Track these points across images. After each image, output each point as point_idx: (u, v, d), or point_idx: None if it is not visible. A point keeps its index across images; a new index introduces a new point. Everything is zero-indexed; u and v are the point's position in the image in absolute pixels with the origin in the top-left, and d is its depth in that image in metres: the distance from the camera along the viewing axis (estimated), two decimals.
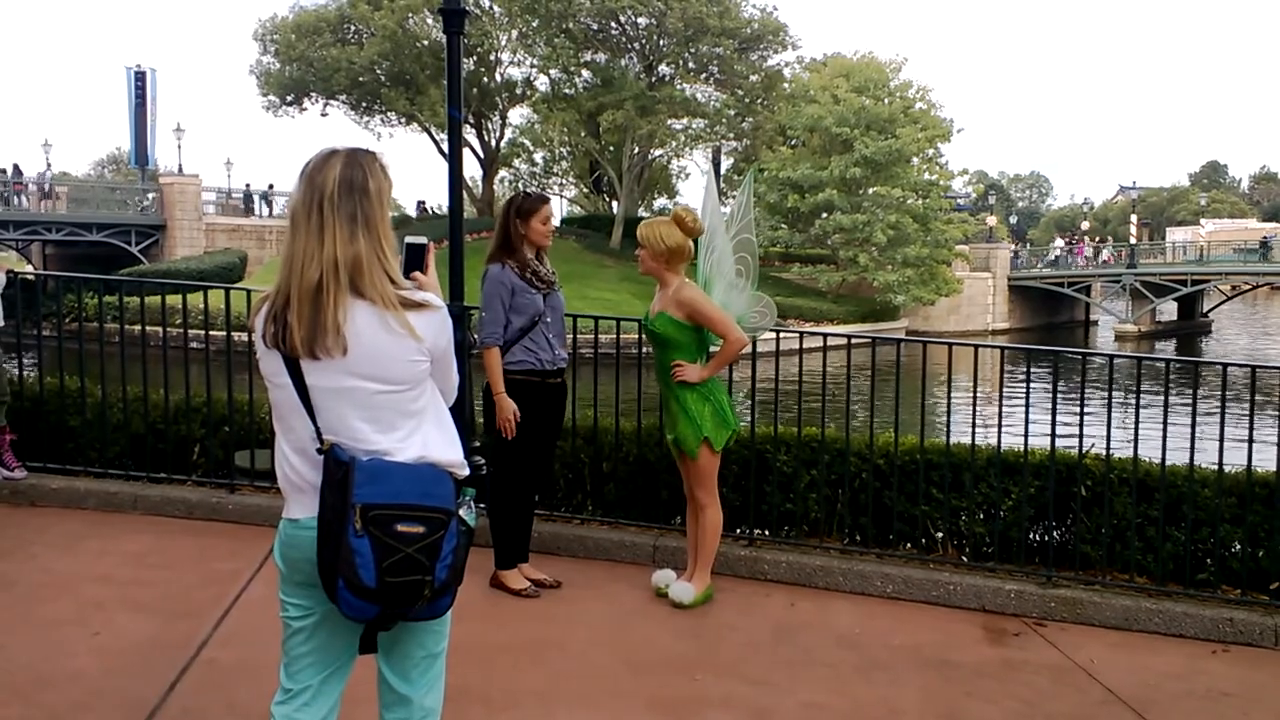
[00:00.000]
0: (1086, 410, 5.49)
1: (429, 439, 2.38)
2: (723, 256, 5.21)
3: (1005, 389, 5.80)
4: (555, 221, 5.27)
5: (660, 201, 57.24)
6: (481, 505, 5.76)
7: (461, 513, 2.33)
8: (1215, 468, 5.31)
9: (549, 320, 4.96)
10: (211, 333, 6.38)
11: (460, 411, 4.44)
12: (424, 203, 54.02)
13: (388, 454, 2.31)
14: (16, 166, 42.46)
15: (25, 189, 41.02)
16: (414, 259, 2.46)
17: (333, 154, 2.35)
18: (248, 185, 50.58)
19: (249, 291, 6.14)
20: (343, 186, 2.28)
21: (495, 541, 5.10)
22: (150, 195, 43.07)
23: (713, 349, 5.07)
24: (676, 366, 4.92)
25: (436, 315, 2.36)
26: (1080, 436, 5.47)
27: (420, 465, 2.32)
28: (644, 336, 5.13)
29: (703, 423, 4.91)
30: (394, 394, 2.33)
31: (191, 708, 3.71)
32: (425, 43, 44.35)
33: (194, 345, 6.47)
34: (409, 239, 2.47)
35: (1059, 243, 56.98)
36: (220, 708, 3.72)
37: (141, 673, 3.94)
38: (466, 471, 2.45)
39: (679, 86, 44.64)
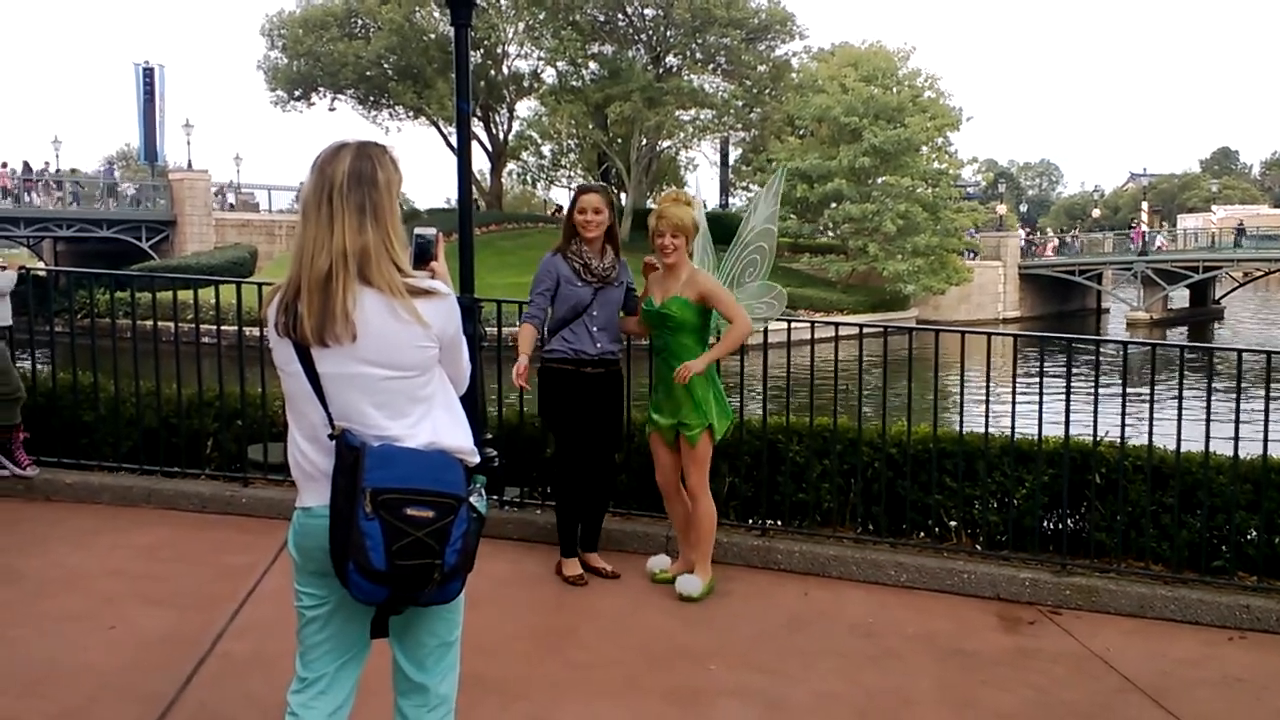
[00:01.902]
0: (1100, 397, 5.45)
1: (439, 425, 2.40)
2: (745, 249, 5.33)
3: (1018, 377, 5.76)
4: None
5: (670, 190, 57.07)
6: (494, 496, 5.78)
7: (472, 500, 2.35)
8: (1230, 454, 5.28)
9: (595, 314, 4.95)
10: (223, 327, 6.38)
11: (472, 403, 4.45)
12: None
13: (398, 440, 2.33)
14: (27, 164, 42.61)
15: (79, 187, 41.73)
16: (424, 251, 2.47)
17: (343, 146, 2.38)
18: (302, 182, 50.50)
19: (260, 286, 6.13)
20: (352, 178, 2.31)
21: (557, 528, 5.21)
22: (125, 187, 43.36)
23: (711, 339, 5.08)
24: (681, 368, 4.83)
25: (444, 302, 2.38)
26: (1095, 424, 5.44)
27: (431, 451, 2.35)
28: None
29: (708, 409, 4.91)
30: (402, 380, 2.35)
31: (208, 701, 3.72)
32: (432, 36, 44.36)
33: (206, 340, 6.49)
34: (419, 230, 2.49)
35: (1022, 234, 55.65)
36: (237, 700, 3.73)
37: (157, 666, 3.95)
38: (477, 459, 2.47)
39: (686, 77, 44.56)
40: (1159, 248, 50.31)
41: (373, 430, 2.33)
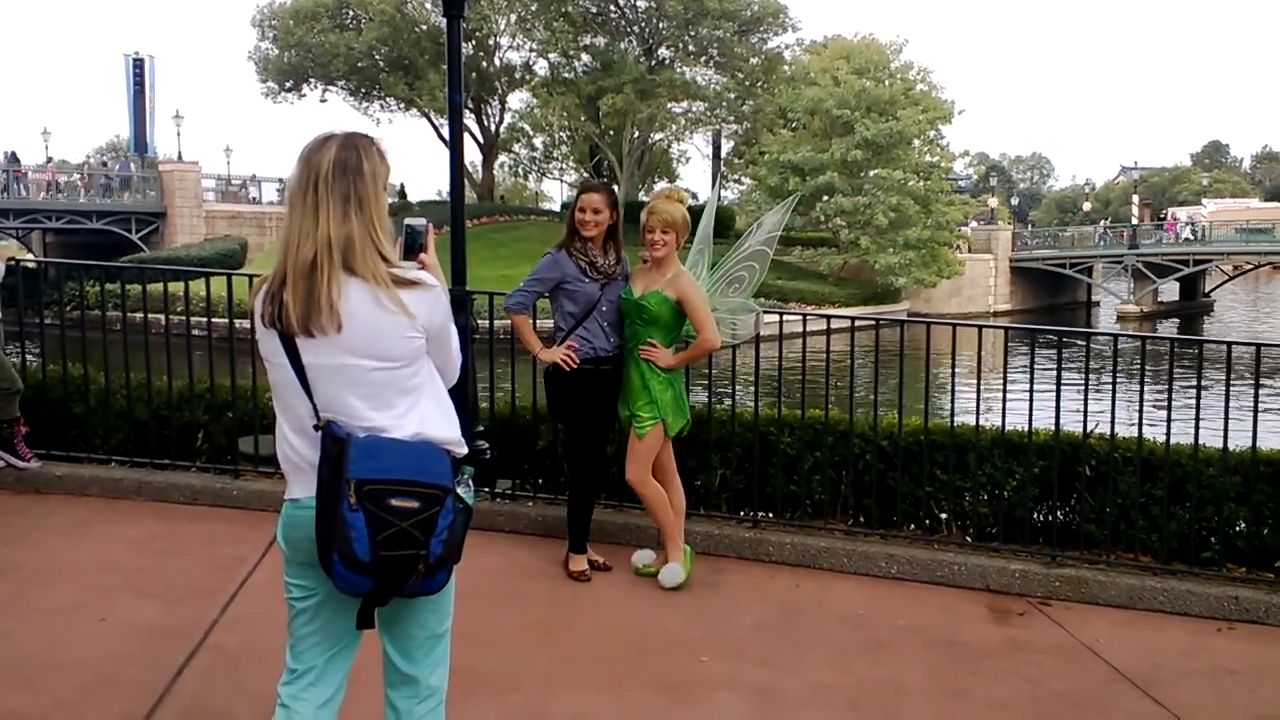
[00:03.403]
0: (1090, 390, 5.47)
1: (426, 416, 2.40)
2: (736, 265, 5.37)
3: (1009, 369, 5.77)
4: (599, 211, 4.95)
5: (660, 186, 57.07)
6: (485, 489, 5.77)
7: (459, 490, 2.35)
8: (1219, 446, 5.30)
9: (604, 309, 4.97)
10: (213, 319, 6.36)
11: (462, 395, 4.45)
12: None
13: (385, 430, 2.33)
14: (14, 154, 42.38)
15: (111, 180, 41.68)
16: (414, 241, 2.46)
17: (329, 137, 2.38)
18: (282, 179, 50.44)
19: (250, 278, 6.11)
20: (336, 167, 2.31)
21: (568, 524, 5.20)
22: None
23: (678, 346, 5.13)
24: (649, 344, 4.92)
25: (429, 293, 2.37)
26: (1085, 416, 5.46)
27: (417, 442, 2.34)
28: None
29: (663, 406, 4.94)
30: (389, 371, 2.35)
31: (199, 692, 3.72)
32: (424, 27, 44.20)
33: (196, 332, 6.47)
34: (408, 221, 2.48)
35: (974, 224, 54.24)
36: (229, 692, 3.73)
37: (149, 658, 3.94)
38: (464, 450, 2.47)
39: (679, 70, 44.51)
40: (1186, 239, 49.63)
41: (359, 421, 2.32)
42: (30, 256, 34.56)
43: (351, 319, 2.29)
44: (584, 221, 4.93)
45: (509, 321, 5.19)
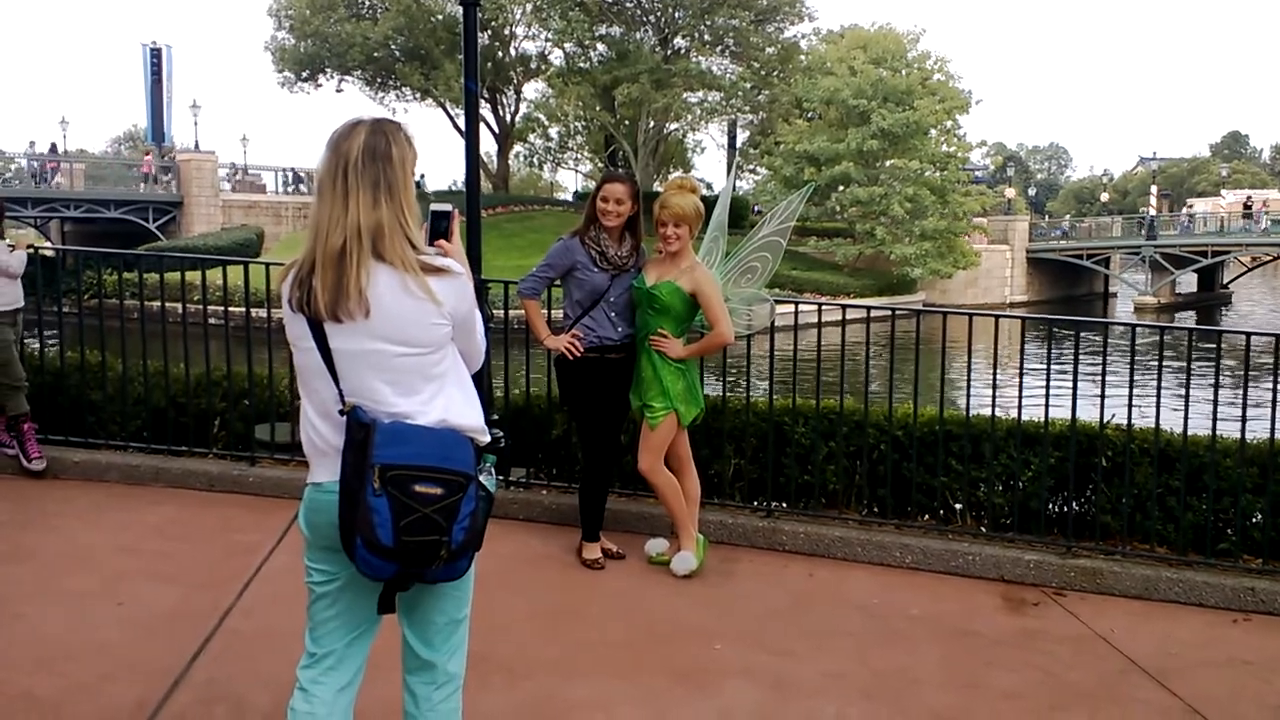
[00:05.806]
0: (1108, 381, 5.44)
1: (451, 403, 2.41)
2: (749, 255, 5.37)
3: (1025, 360, 5.74)
4: (621, 202, 4.95)
5: (676, 176, 56.77)
6: (500, 476, 5.79)
7: (481, 478, 2.36)
8: (1237, 437, 5.27)
9: (612, 299, 4.97)
10: (230, 308, 6.40)
11: (479, 383, 4.46)
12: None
13: (409, 417, 2.34)
14: (54, 146, 42.64)
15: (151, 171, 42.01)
16: (439, 226, 2.47)
17: (358, 123, 2.39)
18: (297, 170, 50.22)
19: (267, 266, 6.15)
20: (366, 154, 2.32)
21: (580, 512, 5.22)
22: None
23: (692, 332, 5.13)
24: (660, 335, 4.92)
25: (456, 280, 2.38)
26: (1101, 407, 5.44)
27: (441, 429, 2.35)
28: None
29: (675, 396, 4.93)
30: (415, 357, 2.35)
31: (216, 676, 3.75)
32: (439, 17, 44.23)
33: (213, 320, 6.50)
34: (434, 206, 2.49)
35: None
36: (244, 676, 3.76)
37: (166, 642, 3.97)
38: (488, 437, 2.48)
39: (694, 59, 44.40)
40: (1264, 229, 48.37)
41: (384, 407, 2.33)
42: (48, 245, 34.79)
43: (379, 304, 2.30)
44: (605, 211, 4.92)
45: (523, 311, 5.21)
